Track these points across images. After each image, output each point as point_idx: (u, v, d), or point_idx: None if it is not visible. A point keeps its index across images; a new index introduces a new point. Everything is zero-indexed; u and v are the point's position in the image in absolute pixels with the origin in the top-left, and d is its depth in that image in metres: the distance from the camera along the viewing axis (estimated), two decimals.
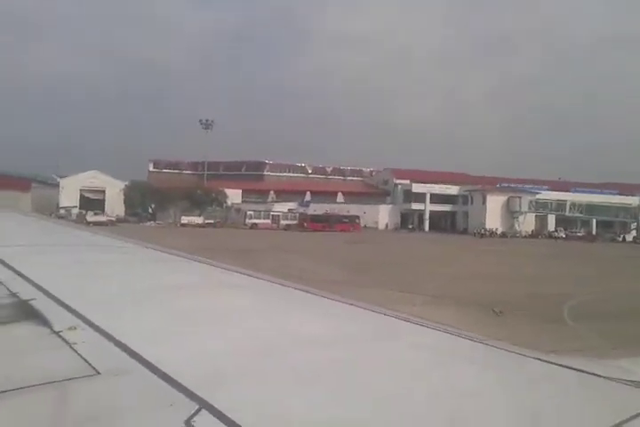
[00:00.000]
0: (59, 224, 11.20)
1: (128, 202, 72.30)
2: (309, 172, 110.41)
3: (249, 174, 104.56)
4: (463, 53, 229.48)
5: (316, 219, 69.24)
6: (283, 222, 68.08)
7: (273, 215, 69.67)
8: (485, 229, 71.06)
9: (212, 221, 66.83)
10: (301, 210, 78.83)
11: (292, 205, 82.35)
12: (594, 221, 77.34)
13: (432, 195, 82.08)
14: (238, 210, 73.52)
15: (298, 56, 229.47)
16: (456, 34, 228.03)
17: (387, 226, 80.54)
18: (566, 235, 71.87)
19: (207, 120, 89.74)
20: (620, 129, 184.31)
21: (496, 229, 72.33)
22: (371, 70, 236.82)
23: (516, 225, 75.00)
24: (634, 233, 72.71)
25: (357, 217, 72.80)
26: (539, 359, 1.84)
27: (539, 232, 74.85)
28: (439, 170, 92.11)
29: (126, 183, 75.60)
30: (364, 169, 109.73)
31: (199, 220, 66.62)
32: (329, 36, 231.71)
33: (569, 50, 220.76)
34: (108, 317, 2.17)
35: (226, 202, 77.37)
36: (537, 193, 78.47)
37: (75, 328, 1.98)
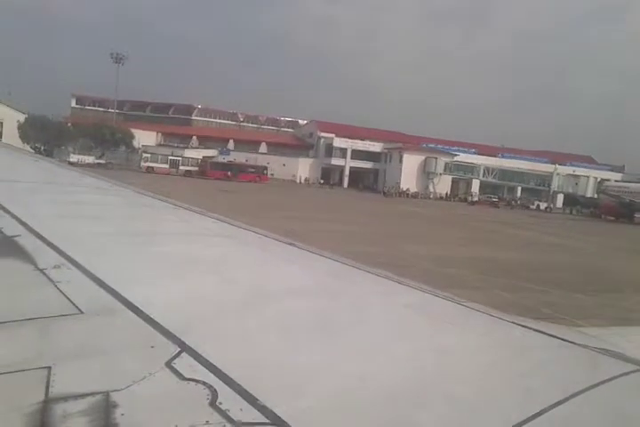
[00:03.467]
0: None
1: (23, 137, 67.05)
2: (241, 120, 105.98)
3: (176, 117, 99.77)
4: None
5: (217, 166, 66.09)
6: (182, 168, 64.56)
7: (172, 160, 65.91)
8: (393, 188, 69.57)
9: (102, 162, 62.75)
10: (221, 158, 75.76)
11: (211, 152, 78.91)
12: (519, 188, 76.87)
13: (355, 151, 79.55)
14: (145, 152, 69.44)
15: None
16: None
17: (306, 180, 78.15)
18: (479, 199, 71.00)
19: (117, 54, 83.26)
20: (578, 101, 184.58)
21: (407, 188, 70.77)
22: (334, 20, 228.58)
23: (430, 186, 73.74)
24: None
25: (265, 168, 69.94)
26: (514, 323, 1.86)
27: (453, 195, 73.71)
28: (375, 127, 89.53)
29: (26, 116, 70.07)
30: (300, 121, 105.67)
31: (89, 159, 62.30)
32: None
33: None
34: (93, 257, 2.13)
35: (132, 143, 72.93)
36: (455, 155, 76.84)
37: (59, 266, 1.95)
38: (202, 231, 3.41)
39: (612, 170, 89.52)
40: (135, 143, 73.71)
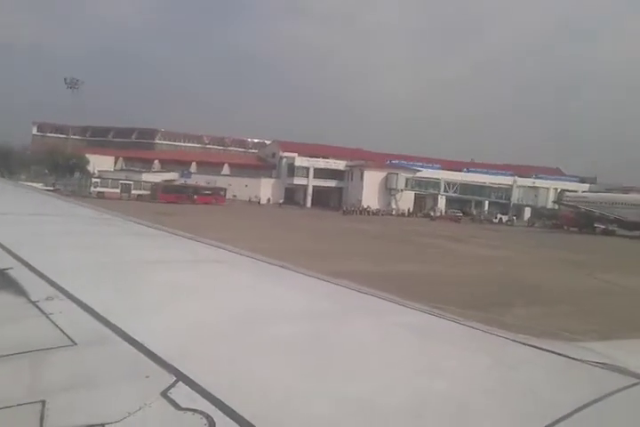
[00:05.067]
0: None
1: None
2: (206, 142, 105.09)
3: (140, 142, 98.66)
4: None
5: (168, 189, 64.54)
6: (134, 192, 62.91)
7: (123, 184, 64.32)
8: (353, 206, 68.70)
9: (51, 188, 60.89)
10: (183, 181, 74.54)
11: (172, 175, 77.65)
12: (486, 202, 76.43)
13: (318, 170, 78.77)
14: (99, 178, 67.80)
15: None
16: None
17: (269, 200, 77.00)
18: (441, 214, 70.27)
19: (72, 79, 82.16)
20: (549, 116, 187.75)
21: (367, 206, 69.86)
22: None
23: (393, 203, 72.97)
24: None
25: (222, 189, 68.58)
26: (514, 341, 1.86)
27: (416, 211, 72.94)
28: (336, 145, 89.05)
29: None
30: (266, 142, 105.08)
31: (38, 186, 60.43)
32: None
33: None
34: (86, 288, 2.14)
35: (86, 169, 71.36)
36: (417, 171, 76.37)
37: (52, 298, 1.94)
38: (193, 257, 3.40)
39: (583, 181, 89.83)
40: (90, 168, 72.18)
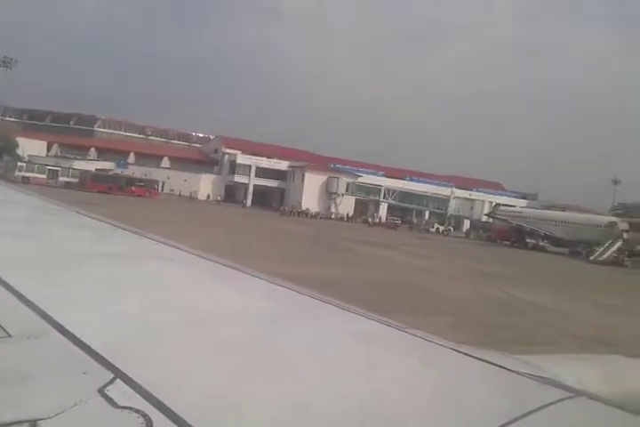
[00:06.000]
0: None
1: None
2: (149, 133, 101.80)
3: (78, 128, 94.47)
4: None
5: (99, 178, 61.74)
6: (61, 179, 59.82)
7: (51, 170, 61.04)
8: (290, 207, 67.90)
9: None
10: (119, 171, 71.58)
11: (108, 164, 74.46)
12: (427, 211, 77.06)
13: (260, 169, 77.39)
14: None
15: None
16: None
17: (208, 197, 75.04)
18: (381, 221, 70.37)
19: (5, 57, 77.65)
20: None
21: (307, 209, 69.17)
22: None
23: (332, 207, 72.57)
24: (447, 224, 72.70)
25: (156, 182, 66.14)
26: (453, 349, 1.86)
27: (356, 216, 72.74)
28: (282, 145, 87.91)
29: None
30: (211, 137, 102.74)
31: None
32: None
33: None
34: (23, 278, 2.07)
35: (15, 152, 67.47)
36: (359, 176, 76.33)
37: None
38: (138, 253, 3.35)
39: (524, 197, 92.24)
40: (20, 152, 68.27)
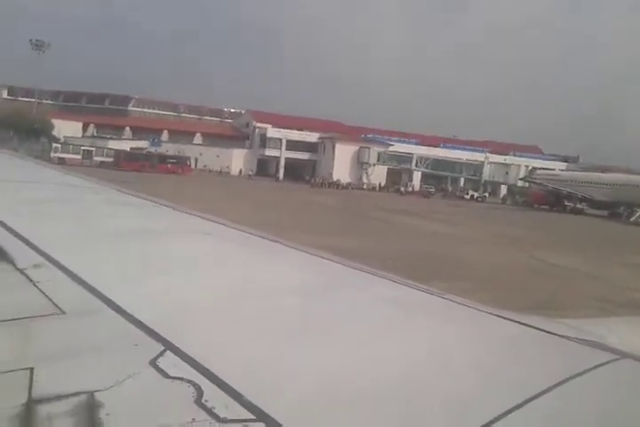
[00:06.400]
0: None
1: None
2: (182, 111, 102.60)
3: (112, 108, 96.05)
4: None
5: (132, 157, 62.63)
6: (96, 159, 61.16)
7: (85, 150, 62.34)
8: (321, 179, 67.76)
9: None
10: (152, 149, 72.69)
11: (142, 143, 75.73)
12: (462, 178, 75.63)
13: (291, 142, 77.16)
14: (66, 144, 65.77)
15: None
16: None
17: (240, 172, 75.58)
18: (413, 189, 69.54)
19: (37, 40, 78.86)
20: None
21: (338, 180, 68.87)
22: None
23: (364, 177, 72.02)
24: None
25: (188, 158, 66.77)
26: (497, 316, 1.87)
27: (389, 185, 72.01)
28: (314, 117, 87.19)
29: None
30: (243, 112, 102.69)
31: None
32: None
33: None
34: (74, 256, 2.14)
35: (51, 134, 69.24)
36: (390, 145, 75.18)
37: (39, 266, 1.95)
38: (184, 229, 3.39)
39: (564, 160, 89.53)
40: (56, 134, 70.06)
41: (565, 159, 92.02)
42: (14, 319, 1.45)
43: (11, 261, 1.97)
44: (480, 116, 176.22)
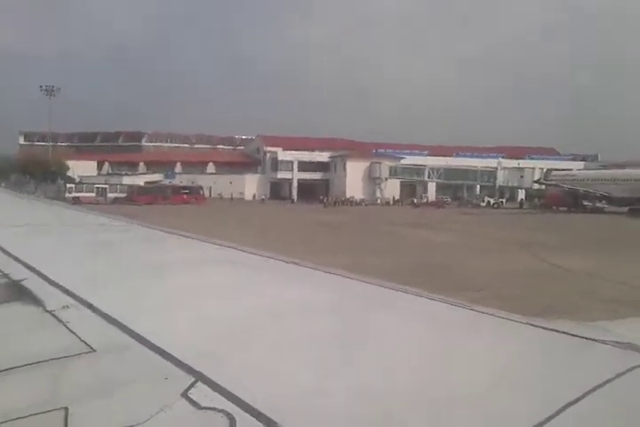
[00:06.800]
0: None
1: None
2: (193, 141, 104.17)
3: (126, 145, 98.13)
4: None
5: (145, 191, 63.43)
6: (110, 196, 62.05)
7: (99, 188, 63.38)
8: (333, 197, 67.62)
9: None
10: (167, 181, 73.84)
11: (157, 176, 76.99)
12: (477, 186, 74.61)
13: (303, 163, 77.58)
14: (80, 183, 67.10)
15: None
16: None
17: (254, 197, 75.95)
18: (427, 201, 68.78)
19: (47, 86, 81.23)
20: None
21: (351, 197, 68.62)
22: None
23: (377, 192, 71.59)
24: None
25: (200, 188, 67.50)
26: (527, 324, 1.88)
27: (404, 198, 71.31)
28: (323, 136, 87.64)
29: None
30: (254, 138, 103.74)
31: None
32: None
33: None
34: (100, 295, 2.20)
35: (66, 175, 70.85)
36: (401, 158, 74.83)
37: (68, 307, 2.01)
38: (205, 258, 3.39)
39: (582, 159, 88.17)
40: (71, 174, 71.64)
41: (584, 158, 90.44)
42: (47, 360, 1.47)
43: (40, 304, 2.02)
44: (492, 121, 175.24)
